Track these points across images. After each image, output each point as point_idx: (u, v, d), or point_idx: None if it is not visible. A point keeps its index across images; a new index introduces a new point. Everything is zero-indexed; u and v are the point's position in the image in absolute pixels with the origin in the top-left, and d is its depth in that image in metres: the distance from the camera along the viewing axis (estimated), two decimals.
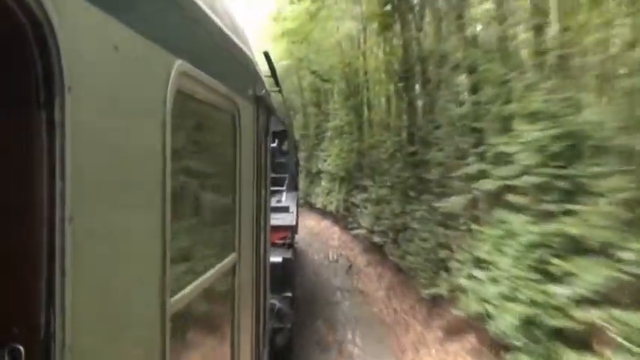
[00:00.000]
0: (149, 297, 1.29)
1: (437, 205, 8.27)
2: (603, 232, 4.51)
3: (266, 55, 5.96)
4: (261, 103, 3.19)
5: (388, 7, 11.51)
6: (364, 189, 14.13)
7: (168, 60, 1.39)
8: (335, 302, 10.35)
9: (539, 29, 6.71)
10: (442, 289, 7.58)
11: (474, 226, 7.08)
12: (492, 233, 6.24)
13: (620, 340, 4.07)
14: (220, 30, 2.02)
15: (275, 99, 5.33)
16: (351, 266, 13.13)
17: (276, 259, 6.23)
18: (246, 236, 2.66)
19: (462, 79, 8.08)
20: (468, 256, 6.93)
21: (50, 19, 0.82)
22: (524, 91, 6.07)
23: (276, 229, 6.63)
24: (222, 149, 2.45)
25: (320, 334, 8.67)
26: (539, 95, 5.73)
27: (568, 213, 4.95)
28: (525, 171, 5.57)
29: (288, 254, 7.18)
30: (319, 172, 19.92)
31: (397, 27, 11.87)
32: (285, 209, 8.26)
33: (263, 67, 4.35)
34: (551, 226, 5.03)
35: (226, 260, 2.29)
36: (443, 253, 8.19)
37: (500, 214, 6.14)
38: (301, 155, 21.71)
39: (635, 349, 3.89)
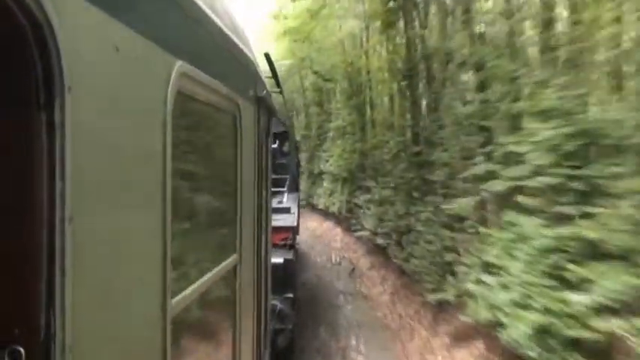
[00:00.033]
0: (150, 298, 1.28)
1: (443, 206, 7.99)
2: (623, 237, 4.25)
3: (267, 56, 5.96)
4: (262, 104, 3.16)
5: (391, 4, 11.25)
6: (367, 190, 13.89)
7: (169, 61, 1.38)
8: (337, 306, 10.09)
9: (548, 24, 6.46)
10: (449, 295, 7.31)
11: (481, 229, 6.81)
12: (502, 236, 5.98)
13: None
14: (221, 31, 2.01)
15: (276, 100, 5.34)
16: (354, 269, 12.87)
17: (277, 260, 6.19)
18: (247, 237, 2.65)
19: (469, 76, 7.81)
20: (475, 260, 6.67)
21: (50, 20, 0.81)
22: (535, 88, 5.80)
23: (278, 230, 6.61)
24: (223, 150, 2.45)
25: (322, 340, 8.41)
26: (551, 92, 5.46)
27: (585, 216, 4.69)
28: (538, 171, 5.31)
29: (290, 255, 7.13)
30: (321, 172, 19.69)
31: (400, 25, 11.65)
32: (287, 210, 8.25)
33: (264, 68, 4.37)
34: (567, 230, 4.77)
35: (227, 261, 2.28)
36: (449, 257, 7.93)
37: (510, 216, 5.88)
38: (303, 156, 21.57)
39: None
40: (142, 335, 1.26)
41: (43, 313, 0.83)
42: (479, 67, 7.24)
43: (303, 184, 21.23)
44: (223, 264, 2.21)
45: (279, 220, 6.97)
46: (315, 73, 19.02)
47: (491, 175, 6.51)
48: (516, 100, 6.30)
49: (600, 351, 4.32)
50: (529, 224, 5.38)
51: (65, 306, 0.85)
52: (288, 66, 21.36)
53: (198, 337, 2.12)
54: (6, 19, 0.78)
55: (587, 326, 4.31)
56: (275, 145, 11.44)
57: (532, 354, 4.67)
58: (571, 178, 4.89)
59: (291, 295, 6.92)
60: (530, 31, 7.04)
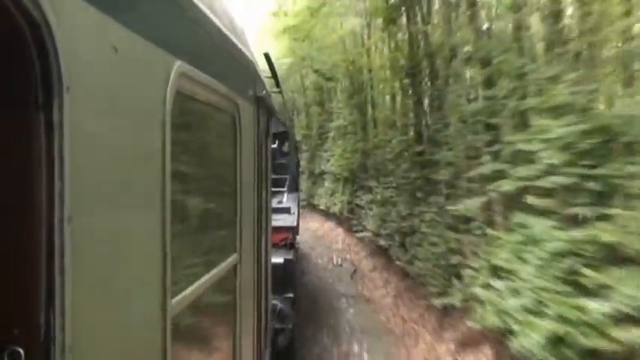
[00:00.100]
0: (150, 298, 1.28)
1: (449, 207, 7.72)
2: None
3: (266, 56, 5.95)
4: (262, 104, 3.14)
5: (393, 0, 10.99)
6: (369, 190, 13.64)
7: (168, 61, 1.38)
8: (339, 309, 9.82)
9: (557, 17, 6.20)
10: (455, 299, 7.04)
11: (489, 231, 6.55)
12: (511, 239, 5.71)
13: None
14: (220, 30, 2.01)
15: (276, 100, 5.33)
16: (355, 271, 12.61)
17: (277, 259, 6.17)
18: (247, 237, 2.65)
19: (475, 72, 7.54)
20: (483, 264, 6.40)
21: (48, 20, 0.81)
22: (545, 83, 5.54)
23: (278, 230, 6.59)
24: (223, 150, 2.45)
25: (323, 346, 8.15)
26: (564, 87, 5.20)
27: (601, 218, 4.42)
28: (550, 171, 5.04)
29: (290, 255, 7.12)
30: (322, 172, 19.44)
31: (403, 21, 11.41)
32: (287, 210, 8.20)
33: (263, 68, 4.33)
34: (582, 233, 4.50)
35: (227, 261, 2.29)
36: (454, 259, 7.67)
37: (520, 217, 5.61)
38: (304, 156, 21.40)
39: None
40: (142, 335, 1.25)
41: (43, 313, 0.83)
42: (485, 63, 6.97)
43: (304, 184, 21.07)
44: (223, 264, 2.21)
45: (279, 220, 6.93)
46: (316, 71, 18.75)
47: (498, 175, 6.25)
48: (525, 96, 6.03)
49: None
50: (540, 226, 5.11)
51: (65, 306, 0.85)
52: (288, 65, 21.12)
53: (199, 337, 2.12)
54: (4, 19, 0.78)
55: (605, 336, 4.04)
56: (275, 145, 11.35)
57: None
58: (586, 177, 4.63)
59: (291, 295, 6.88)
60: (537, 24, 6.79)
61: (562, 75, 5.38)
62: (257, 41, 19.26)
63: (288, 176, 10.82)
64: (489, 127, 6.98)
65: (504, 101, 6.44)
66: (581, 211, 4.71)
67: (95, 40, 0.99)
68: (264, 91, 3.17)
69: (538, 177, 5.19)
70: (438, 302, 7.67)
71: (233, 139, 2.42)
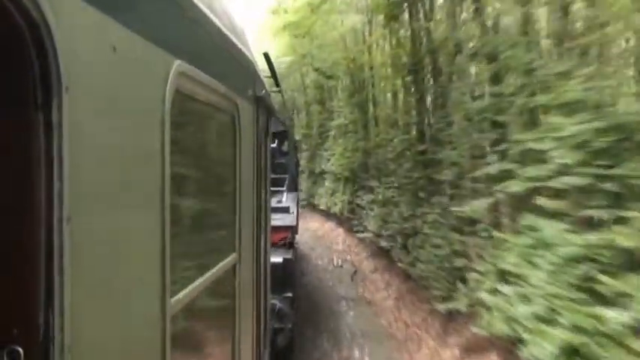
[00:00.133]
0: (149, 297, 1.27)
1: (454, 208, 7.46)
2: None
3: (266, 55, 5.95)
4: (261, 104, 3.13)
5: None
6: (370, 190, 13.40)
7: (167, 60, 1.38)
8: (339, 313, 9.56)
9: (566, 11, 5.94)
10: (460, 305, 6.78)
11: (495, 233, 6.29)
12: (520, 242, 5.46)
13: None
14: (219, 30, 2.01)
15: (275, 99, 5.33)
16: (356, 272, 12.36)
17: (276, 259, 6.19)
18: (246, 236, 2.64)
19: (481, 69, 7.27)
20: (489, 267, 6.15)
21: (47, 20, 0.82)
22: (556, 79, 5.28)
23: (277, 229, 6.58)
24: (222, 150, 2.45)
25: (323, 351, 7.90)
26: (576, 83, 4.94)
27: (618, 221, 4.17)
28: (562, 171, 4.78)
29: (289, 255, 7.12)
30: (323, 172, 19.19)
31: (405, 18, 11.16)
32: (286, 210, 8.20)
33: (263, 67, 4.37)
34: (598, 236, 4.24)
35: (227, 260, 2.28)
36: (459, 262, 7.41)
37: (529, 220, 5.35)
38: (304, 155, 21.20)
39: None
40: (142, 334, 1.25)
41: (42, 313, 0.83)
42: (492, 59, 6.71)
43: (304, 183, 20.89)
44: (222, 263, 2.20)
45: (278, 220, 6.89)
46: (316, 70, 18.49)
47: (506, 175, 5.99)
48: (534, 93, 5.77)
49: None
50: (552, 229, 4.85)
51: (64, 306, 0.85)
52: (288, 63, 20.89)
53: (198, 336, 2.11)
54: (3, 19, 0.79)
55: (624, 347, 3.78)
56: (274, 145, 11.22)
57: None
58: (602, 178, 4.37)
59: (290, 295, 6.87)
60: (546, 18, 6.53)
61: (574, 71, 5.11)
62: (257, 39, 19.03)
63: (287, 176, 10.75)
64: (496, 125, 6.72)
65: (512, 98, 6.18)
66: (596, 213, 4.45)
67: (94, 39, 0.98)
68: (263, 91, 3.15)
69: (549, 177, 4.93)
70: (442, 307, 7.40)
71: (232, 139, 2.41)
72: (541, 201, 5.22)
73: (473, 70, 7.86)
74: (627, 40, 6.43)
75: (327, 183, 18.37)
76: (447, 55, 8.66)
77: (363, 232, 13.55)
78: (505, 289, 5.40)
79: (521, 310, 4.89)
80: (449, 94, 8.92)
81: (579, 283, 4.28)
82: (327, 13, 14.80)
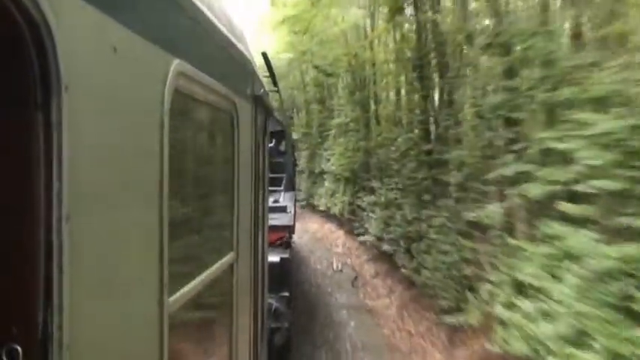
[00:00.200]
0: (147, 296, 1.28)
1: (466, 213, 6.93)
2: None
3: (264, 55, 6.00)
4: (259, 103, 3.12)
5: None
6: (371, 191, 12.88)
7: (166, 59, 1.38)
8: (339, 323, 9.01)
9: None
10: (471, 318, 6.25)
11: (510, 240, 5.77)
12: (540, 251, 4.93)
13: None
14: (218, 30, 2.02)
15: (273, 98, 5.39)
16: (356, 277, 11.83)
17: (273, 258, 6.16)
18: (244, 235, 2.64)
19: (494, 62, 6.74)
20: (504, 278, 5.62)
21: (47, 20, 0.82)
22: (583, 71, 4.75)
23: (274, 229, 6.53)
24: (220, 149, 2.47)
25: None
26: (608, 75, 4.41)
27: None
28: (590, 173, 4.26)
29: (286, 254, 7.10)
30: (322, 172, 18.68)
31: (409, 11, 10.66)
32: (283, 209, 8.16)
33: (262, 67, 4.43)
34: (636, 249, 3.71)
35: (224, 259, 2.29)
36: (468, 270, 6.90)
37: (552, 227, 4.82)
38: (304, 154, 20.75)
39: None
40: (140, 333, 1.25)
41: (41, 312, 0.83)
42: (507, 50, 6.18)
43: (304, 183, 20.43)
44: (220, 262, 2.21)
45: (275, 219, 6.82)
46: (316, 67, 17.96)
47: (523, 177, 5.47)
48: (556, 86, 5.24)
49: None
50: (579, 239, 4.33)
51: (63, 304, 0.85)
52: (287, 60, 20.39)
53: (196, 334, 2.14)
54: (3, 18, 0.79)
55: None
56: (272, 144, 10.86)
57: None
58: (639, 181, 3.84)
59: (287, 294, 6.86)
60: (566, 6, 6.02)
61: (604, 61, 4.59)
62: (256, 33, 18.53)
63: (284, 175, 10.45)
64: (510, 122, 6.21)
65: (530, 93, 5.65)
66: (631, 221, 3.92)
67: (94, 39, 0.98)
68: (261, 90, 3.15)
69: (576, 180, 4.40)
70: (450, 320, 6.87)
71: (231, 138, 2.41)
72: (564, 206, 4.69)
73: (484, 63, 7.33)
74: None
75: (326, 183, 17.87)
76: (455, 47, 8.14)
77: (364, 234, 13.06)
78: (524, 303, 4.87)
79: (544, 329, 4.36)
80: (457, 90, 8.41)
81: (614, 301, 3.75)
82: (327, 7, 14.27)
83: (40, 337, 0.82)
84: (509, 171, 5.79)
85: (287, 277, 7.11)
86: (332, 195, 16.79)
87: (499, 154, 6.34)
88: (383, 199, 11.73)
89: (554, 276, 4.54)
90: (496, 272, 5.89)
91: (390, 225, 10.90)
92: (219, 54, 2.16)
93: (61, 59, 0.83)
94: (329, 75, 17.84)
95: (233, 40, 2.33)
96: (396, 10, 10.90)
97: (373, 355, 7.55)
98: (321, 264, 13.19)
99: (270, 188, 6.75)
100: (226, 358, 2.42)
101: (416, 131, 10.56)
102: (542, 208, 5.24)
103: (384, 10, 12.01)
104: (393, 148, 11.65)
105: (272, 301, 6.10)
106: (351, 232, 14.58)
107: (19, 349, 0.82)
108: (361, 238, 13.24)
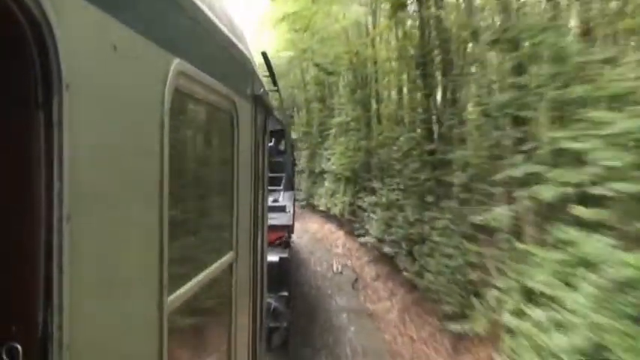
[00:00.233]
0: (146, 295, 1.29)
1: (471, 215, 6.68)
2: None
3: (264, 55, 5.98)
4: (259, 102, 3.14)
5: None
6: (372, 191, 12.63)
7: (167, 59, 1.39)
8: (339, 327, 8.77)
9: None
10: (477, 326, 6.00)
11: (519, 245, 5.51)
12: (552, 257, 4.68)
13: None
14: (218, 29, 2.02)
15: (272, 97, 5.34)
16: (357, 279, 11.58)
17: (272, 258, 6.15)
18: (243, 235, 2.65)
19: (502, 58, 6.48)
20: (512, 284, 5.37)
21: (48, 19, 0.82)
22: (598, 67, 4.50)
23: (273, 228, 6.51)
24: (220, 148, 2.49)
25: None
26: (625, 71, 4.16)
27: None
28: (607, 175, 4.01)
29: (285, 254, 7.10)
30: (323, 171, 18.41)
31: (412, 7, 10.41)
32: (282, 209, 8.17)
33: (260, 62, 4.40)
34: None
35: (224, 259, 2.28)
36: (474, 275, 6.65)
37: (564, 232, 4.57)
38: (304, 154, 20.52)
39: None
40: (139, 332, 1.26)
41: (41, 311, 0.84)
42: (515, 46, 5.92)
43: (304, 183, 20.19)
44: (219, 262, 2.22)
45: (274, 219, 6.80)
46: (317, 65, 17.70)
47: (533, 179, 5.22)
48: (568, 84, 4.99)
49: None
50: (595, 245, 4.07)
51: (63, 304, 0.85)
52: (288, 58, 20.13)
53: (195, 334, 2.13)
54: (5, 17, 0.79)
55: None
56: (271, 144, 10.65)
57: None
58: None
59: (286, 294, 6.85)
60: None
61: (621, 57, 4.33)
62: (255, 35, 18.27)
63: (284, 174, 10.31)
64: (518, 121, 5.95)
65: (539, 90, 5.39)
66: None
67: (95, 38, 0.99)
68: (261, 90, 3.16)
69: (592, 182, 4.14)
70: (455, 327, 6.61)
71: (230, 137, 2.42)
72: (578, 210, 4.44)
73: (490, 60, 7.07)
74: None
75: (327, 183, 17.61)
76: (460, 44, 7.88)
77: (364, 235, 12.81)
78: (534, 312, 4.62)
79: (558, 340, 4.11)
80: (461, 88, 8.15)
81: (635, 313, 3.50)
82: (328, 4, 14.01)
83: (40, 336, 0.83)
84: (518, 172, 5.53)
85: (286, 277, 7.09)
86: (332, 195, 16.53)
87: (507, 155, 6.09)
88: (384, 199, 11.48)
89: (567, 284, 4.29)
90: (503, 278, 5.64)
91: (392, 226, 10.65)
92: (219, 53, 2.18)
93: (62, 58, 0.84)
94: (330, 73, 17.59)
95: (233, 39, 2.35)
96: (399, 7, 10.64)
97: None
98: (321, 265, 12.95)
99: (270, 188, 6.69)
100: (225, 357, 2.44)
101: (418, 130, 10.30)
102: (553, 212, 4.98)
103: (386, 6, 11.74)
104: (394, 148, 11.39)
105: (271, 301, 6.11)
106: (351, 233, 14.33)
107: (19, 347, 0.82)
108: (362, 240, 12.99)
